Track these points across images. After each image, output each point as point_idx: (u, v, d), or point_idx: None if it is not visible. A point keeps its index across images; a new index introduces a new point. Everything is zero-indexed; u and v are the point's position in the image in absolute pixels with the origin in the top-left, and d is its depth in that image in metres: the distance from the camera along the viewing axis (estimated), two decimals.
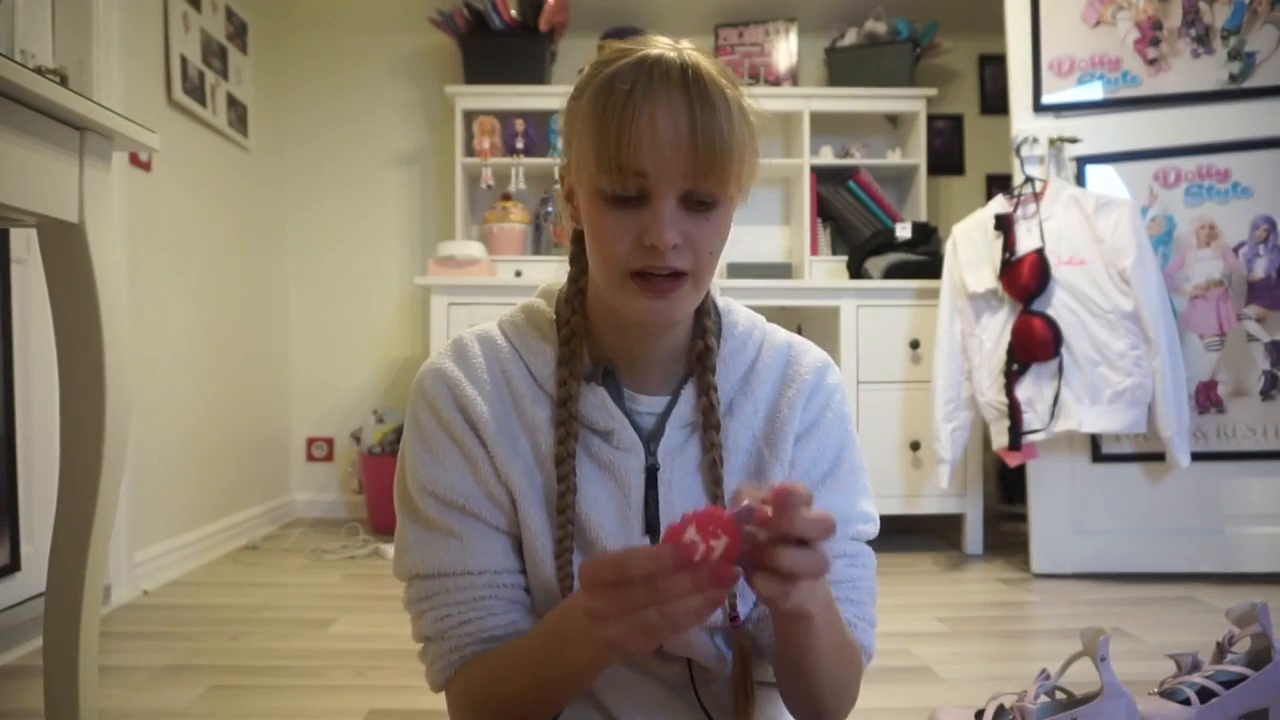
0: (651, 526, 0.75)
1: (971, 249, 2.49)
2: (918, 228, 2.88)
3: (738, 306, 0.84)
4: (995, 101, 3.34)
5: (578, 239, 0.77)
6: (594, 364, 0.77)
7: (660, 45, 0.69)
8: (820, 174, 3.20)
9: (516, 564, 0.76)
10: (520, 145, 3.14)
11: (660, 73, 0.66)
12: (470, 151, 3.13)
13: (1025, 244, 2.37)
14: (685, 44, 0.70)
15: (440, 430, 0.75)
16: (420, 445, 0.76)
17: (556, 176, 0.77)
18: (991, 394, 2.39)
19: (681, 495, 0.76)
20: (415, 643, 0.79)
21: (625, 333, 0.75)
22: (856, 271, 2.93)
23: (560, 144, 0.74)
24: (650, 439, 0.77)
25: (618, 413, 0.75)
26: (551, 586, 0.75)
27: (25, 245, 1.76)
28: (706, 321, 0.79)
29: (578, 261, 0.78)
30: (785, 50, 3.28)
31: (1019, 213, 2.42)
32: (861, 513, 0.81)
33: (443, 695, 0.78)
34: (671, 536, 0.54)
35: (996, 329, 2.41)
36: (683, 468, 0.76)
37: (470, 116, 3.16)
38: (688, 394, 0.77)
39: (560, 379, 0.75)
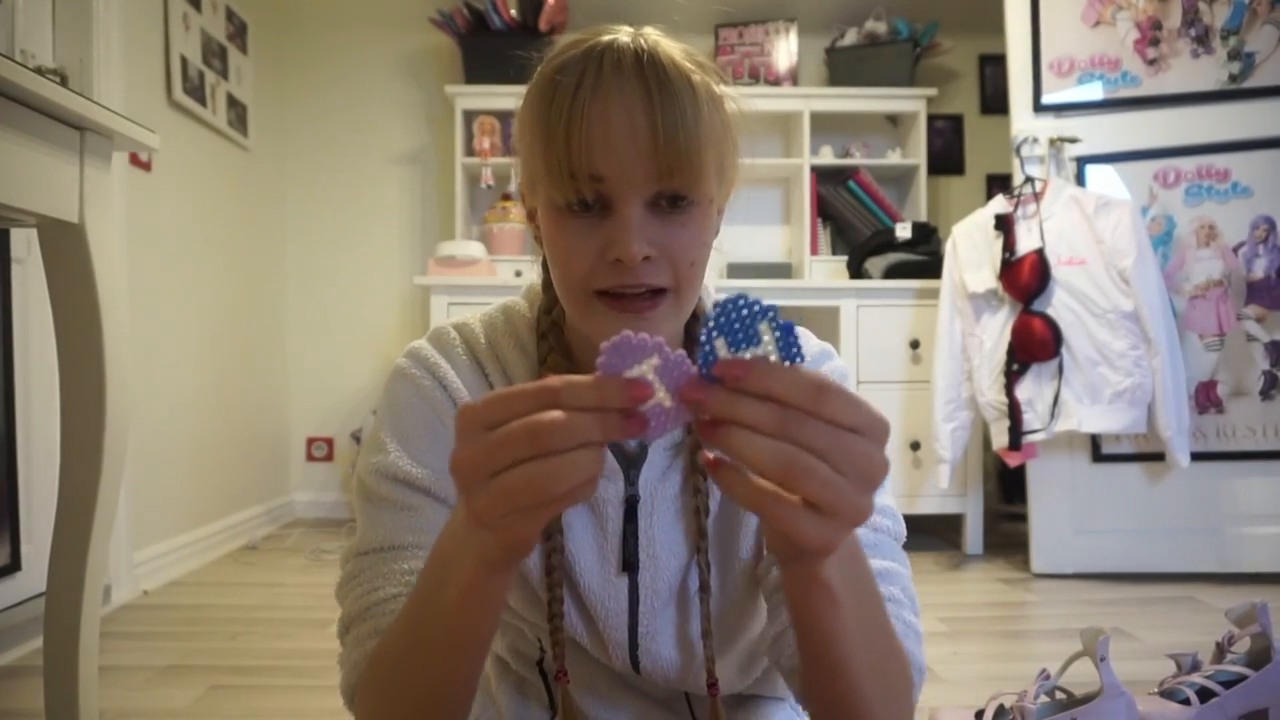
0: (629, 563, 0.69)
1: (971, 249, 2.49)
2: (918, 228, 2.88)
3: None
4: (995, 101, 3.34)
5: (547, 266, 0.68)
6: None
7: (617, 32, 0.61)
8: (820, 174, 3.20)
9: None
10: None
11: (611, 61, 0.58)
12: (470, 151, 3.13)
13: (1025, 244, 2.37)
14: (649, 29, 0.62)
15: (422, 404, 0.68)
16: (394, 426, 0.69)
17: (518, 196, 0.72)
18: (991, 394, 2.39)
19: (663, 530, 0.70)
20: (337, 641, 0.65)
21: None
22: (856, 271, 2.93)
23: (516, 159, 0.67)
24: (633, 464, 0.70)
25: None
26: (538, 610, 0.71)
27: (25, 245, 1.76)
28: (694, 324, 0.71)
29: (549, 290, 0.71)
30: (785, 50, 3.28)
31: (1019, 213, 2.42)
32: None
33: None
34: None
35: (996, 329, 2.41)
36: (665, 498, 0.70)
37: (470, 116, 3.16)
38: None
39: None
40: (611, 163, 0.57)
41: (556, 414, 0.40)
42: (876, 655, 0.56)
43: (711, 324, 0.42)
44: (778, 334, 0.42)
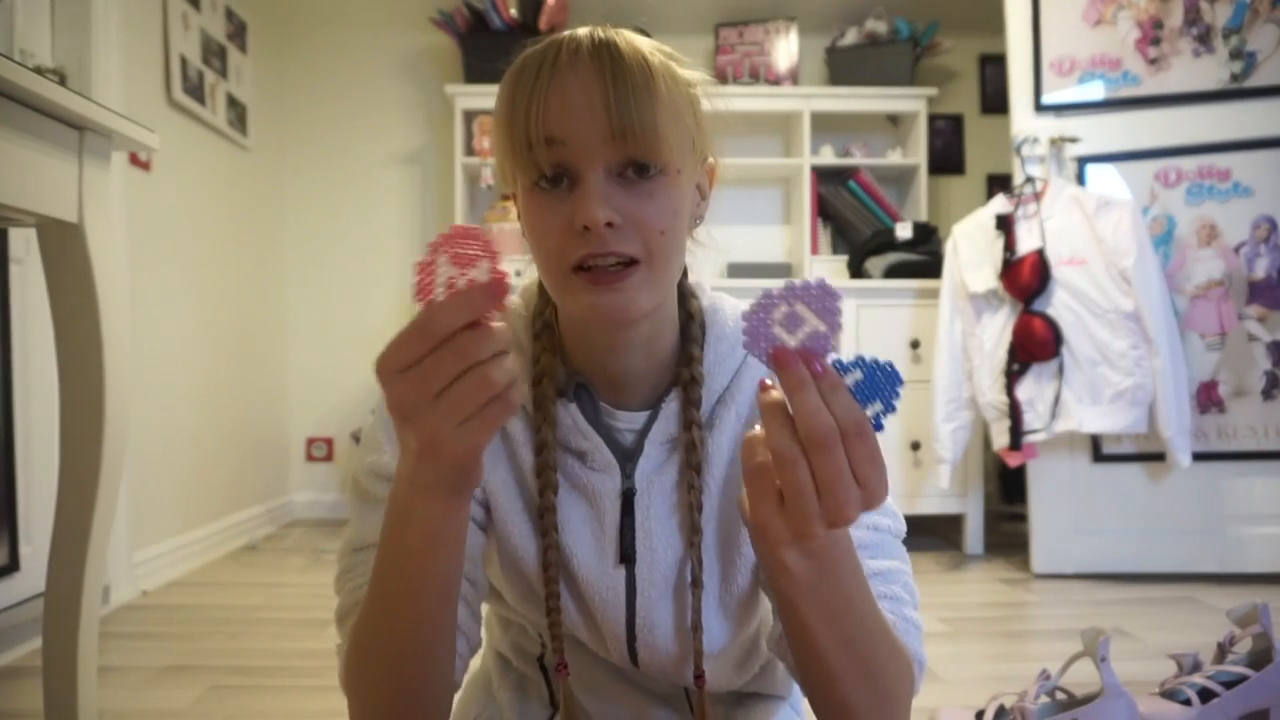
0: (627, 555, 0.70)
1: (972, 249, 2.49)
2: (918, 228, 2.88)
3: (727, 305, 0.75)
4: (996, 101, 3.34)
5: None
6: (568, 377, 0.71)
7: (578, 29, 0.63)
8: (820, 174, 3.20)
9: (470, 559, 0.68)
10: None
11: (569, 49, 0.61)
12: (470, 151, 3.13)
13: (1026, 244, 2.37)
14: (619, 30, 0.65)
15: None
16: (389, 426, 0.69)
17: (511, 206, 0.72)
18: (992, 394, 2.39)
19: (659, 522, 0.70)
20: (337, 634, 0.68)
21: (596, 350, 0.69)
22: (857, 271, 2.93)
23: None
24: (629, 458, 0.71)
25: (591, 432, 0.69)
26: (536, 606, 0.71)
27: (25, 245, 1.76)
28: (690, 323, 0.72)
29: (544, 290, 0.72)
30: (785, 50, 3.28)
31: (1019, 212, 2.42)
32: None
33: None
34: (425, 289, 0.48)
35: (997, 329, 2.40)
36: (662, 491, 0.70)
37: (470, 116, 3.15)
38: (668, 407, 0.70)
39: (532, 417, 0.70)
40: (568, 127, 0.59)
41: (473, 330, 0.46)
42: (862, 659, 0.58)
43: (864, 361, 0.50)
44: (884, 409, 0.50)
